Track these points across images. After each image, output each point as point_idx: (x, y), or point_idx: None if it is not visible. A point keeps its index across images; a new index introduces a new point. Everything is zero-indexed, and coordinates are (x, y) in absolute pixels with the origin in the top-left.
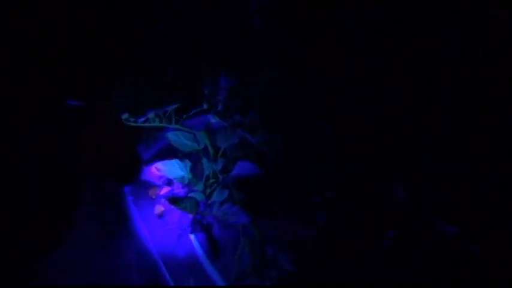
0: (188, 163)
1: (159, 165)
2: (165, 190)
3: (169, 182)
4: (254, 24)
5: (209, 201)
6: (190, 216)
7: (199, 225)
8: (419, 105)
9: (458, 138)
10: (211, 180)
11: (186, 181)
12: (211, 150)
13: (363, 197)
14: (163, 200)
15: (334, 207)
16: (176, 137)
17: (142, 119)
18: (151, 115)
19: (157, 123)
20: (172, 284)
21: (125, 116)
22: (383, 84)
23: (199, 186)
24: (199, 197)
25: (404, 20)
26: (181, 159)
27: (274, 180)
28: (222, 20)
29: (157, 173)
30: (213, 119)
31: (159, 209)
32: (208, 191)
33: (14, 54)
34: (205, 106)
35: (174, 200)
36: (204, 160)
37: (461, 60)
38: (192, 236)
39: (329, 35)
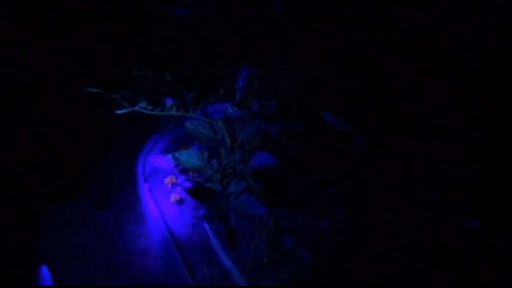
0: (205, 153)
1: (177, 154)
2: (181, 179)
3: (185, 171)
4: (273, 13)
5: (226, 192)
6: (207, 205)
7: (215, 215)
8: (434, 102)
9: (477, 136)
10: (229, 171)
11: (203, 171)
12: (228, 140)
13: (380, 189)
14: (179, 188)
15: (351, 199)
16: (194, 127)
17: (160, 108)
18: (169, 104)
19: (174, 112)
20: (185, 270)
21: (142, 104)
22: (399, 80)
23: (217, 176)
24: (216, 187)
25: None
26: (198, 148)
27: (291, 170)
28: (241, 9)
29: (174, 161)
30: (231, 109)
31: (175, 197)
32: (225, 181)
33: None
34: (222, 94)
35: (191, 190)
36: (222, 150)
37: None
38: (207, 225)
39: (346, 28)
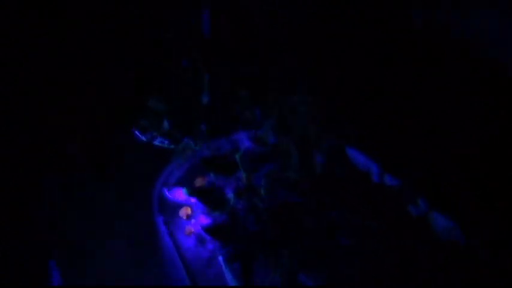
0: (220, 188)
1: (191, 188)
2: (196, 210)
3: (201, 203)
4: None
5: (243, 227)
6: (223, 241)
7: (231, 250)
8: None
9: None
10: (245, 206)
11: (219, 206)
12: (244, 175)
13: (404, 226)
14: (193, 221)
15: (374, 237)
16: (210, 159)
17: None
18: (186, 141)
19: (191, 147)
20: None
21: (159, 140)
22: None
23: (232, 212)
24: (232, 223)
25: None
26: (214, 181)
27: (309, 207)
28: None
29: (190, 194)
30: (248, 142)
31: (189, 230)
32: (242, 217)
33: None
34: (240, 128)
35: (208, 228)
36: (239, 184)
37: None
38: (222, 259)
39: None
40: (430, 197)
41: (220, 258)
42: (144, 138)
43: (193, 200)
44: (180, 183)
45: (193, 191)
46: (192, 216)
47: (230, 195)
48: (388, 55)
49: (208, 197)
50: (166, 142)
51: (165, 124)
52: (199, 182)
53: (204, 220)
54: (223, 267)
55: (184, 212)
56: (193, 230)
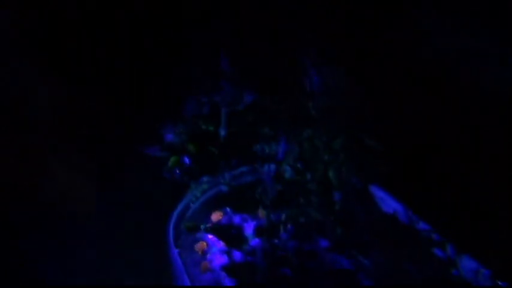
0: (238, 225)
1: (208, 225)
2: (212, 245)
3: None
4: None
5: (262, 268)
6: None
7: None
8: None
9: None
10: (266, 245)
11: (237, 244)
12: (263, 212)
13: (431, 268)
14: (209, 256)
15: (400, 280)
16: (228, 194)
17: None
18: (205, 179)
19: (209, 181)
20: None
21: (179, 176)
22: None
23: (251, 251)
24: (251, 262)
25: None
26: (231, 217)
27: (332, 248)
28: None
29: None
30: (268, 178)
31: (205, 265)
32: (261, 256)
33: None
34: (259, 164)
35: (225, 267)
36: (258, 221)
37: None
38: None
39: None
40: (458, 239)
41: None
42: (166, 175)
43: (209, 235)
44: (196, 215)
45: (209, 227)
46: (207, 252)
47: (249, 232)
48: (426, 86)
49: (225, 234)
50: (185, 178)
51: (186, 160)
52: (216, 217)
53: (221, 257)
54: None
55: (200, 247)
56: (209, 266)
